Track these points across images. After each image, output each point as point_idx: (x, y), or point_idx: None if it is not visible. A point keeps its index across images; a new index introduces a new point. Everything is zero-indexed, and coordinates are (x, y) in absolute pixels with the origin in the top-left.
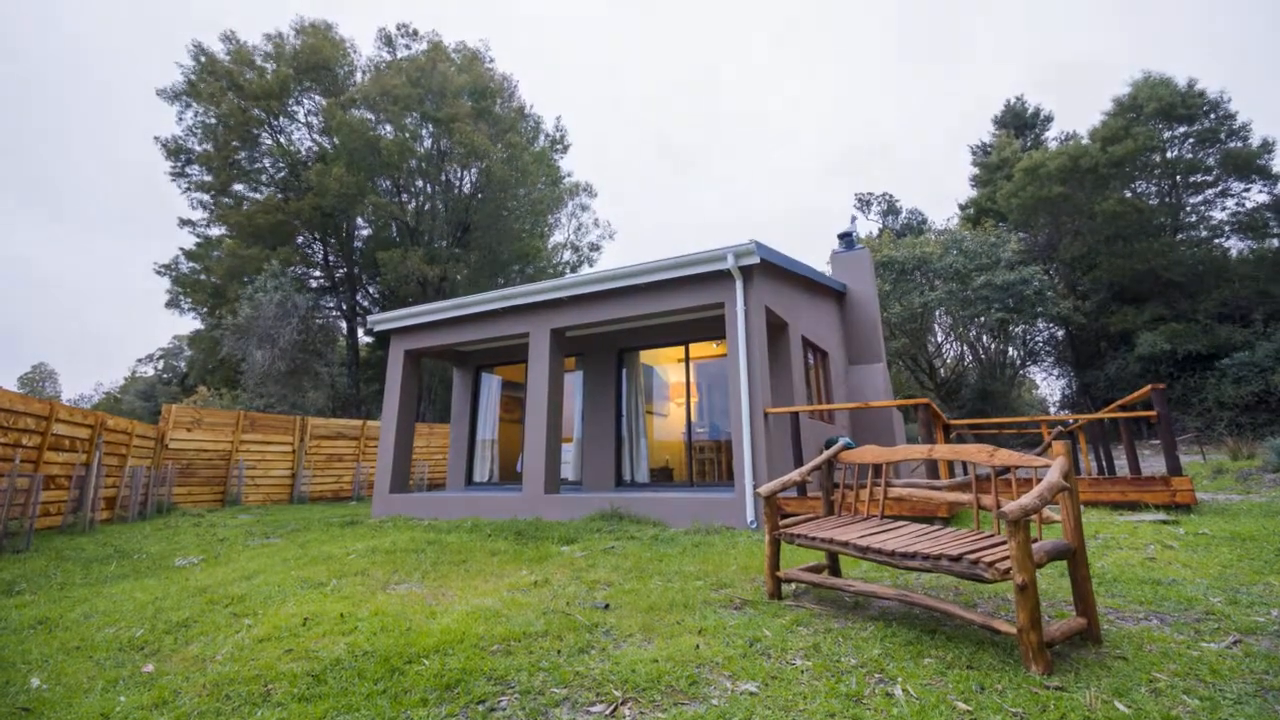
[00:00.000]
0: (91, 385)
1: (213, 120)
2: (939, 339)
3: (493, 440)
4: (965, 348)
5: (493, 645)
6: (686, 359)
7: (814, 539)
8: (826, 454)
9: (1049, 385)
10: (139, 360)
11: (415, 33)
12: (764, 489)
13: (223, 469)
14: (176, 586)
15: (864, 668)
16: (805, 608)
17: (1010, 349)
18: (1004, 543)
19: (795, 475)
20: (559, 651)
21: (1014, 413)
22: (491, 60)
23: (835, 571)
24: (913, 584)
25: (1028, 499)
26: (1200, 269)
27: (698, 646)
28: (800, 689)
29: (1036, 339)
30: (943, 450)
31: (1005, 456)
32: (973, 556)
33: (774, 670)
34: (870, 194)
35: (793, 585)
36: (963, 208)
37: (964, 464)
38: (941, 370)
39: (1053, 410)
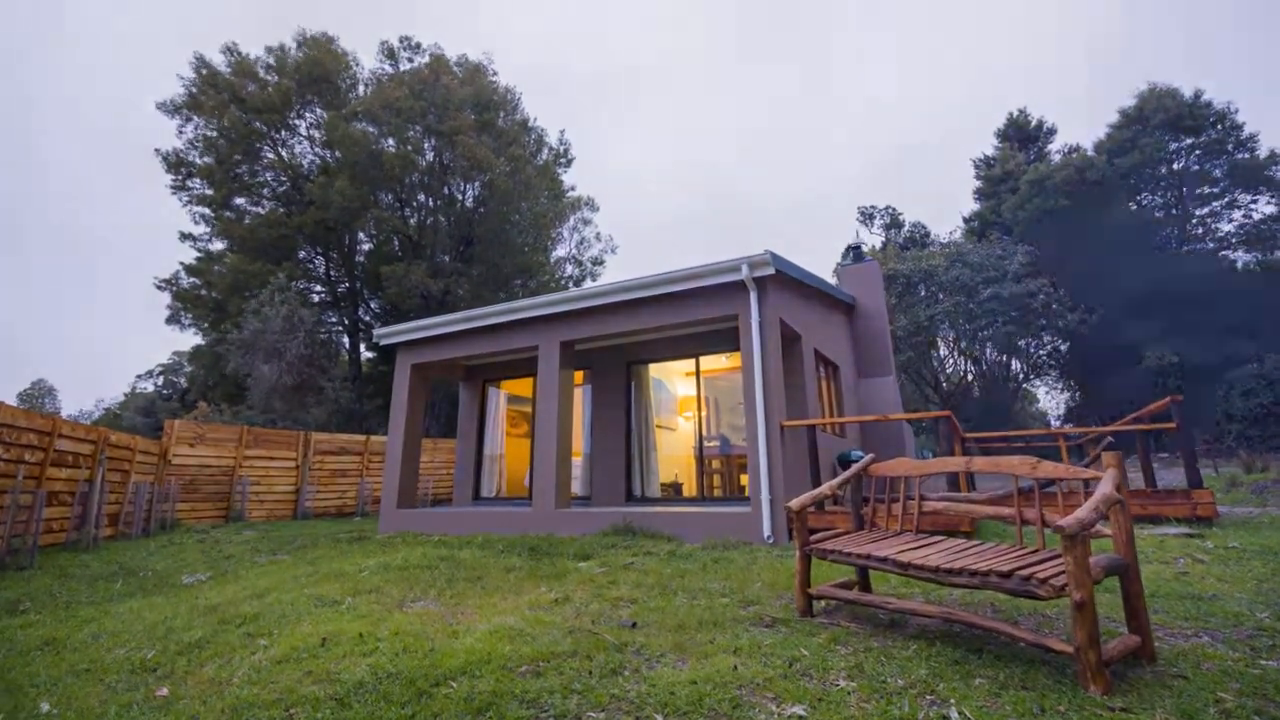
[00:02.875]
0: (92, 401)
1: (214, 133)
2: (943, 352)
3: (500, 455)
4: (969, 362)
5: (520, 666)
6: (697, 372)
7: (849, 554)
8: (856, 466)
9: (1052, 399)
10: (138, 376)
11: (417, 45)
12: (794, 503)
13: (226, 485)
14: (186, 605)
15: (913, 689)
16: (840, 625)
17: (1015, 362)
18: (1054, 557)
19: (825, 489)
20: (590, 672)
21: (1017, 426)
22: (494, 73)
23: (866, 587)
24: (946, 599)
25: (1083, 512)
26: (1208, 281)
27: (735, 667)
28: (850, 712)
29: (1040, 352)
30: (982, 463)
31: (1049, 469)
32: (1025, 573)
33: (819, 692)
34: (873, 207)
35: (824, 602)
36: (966, 220)
37: (969, 476)
38: (945, 384)
39: (1054, 423)
